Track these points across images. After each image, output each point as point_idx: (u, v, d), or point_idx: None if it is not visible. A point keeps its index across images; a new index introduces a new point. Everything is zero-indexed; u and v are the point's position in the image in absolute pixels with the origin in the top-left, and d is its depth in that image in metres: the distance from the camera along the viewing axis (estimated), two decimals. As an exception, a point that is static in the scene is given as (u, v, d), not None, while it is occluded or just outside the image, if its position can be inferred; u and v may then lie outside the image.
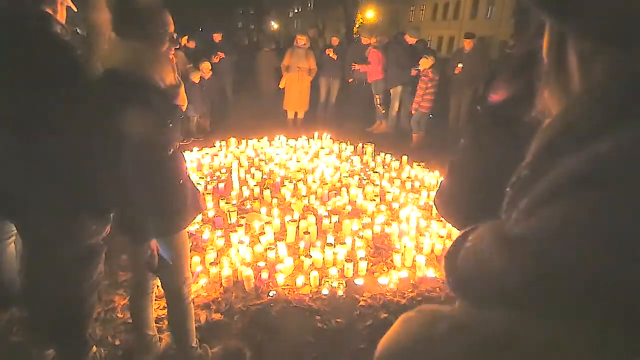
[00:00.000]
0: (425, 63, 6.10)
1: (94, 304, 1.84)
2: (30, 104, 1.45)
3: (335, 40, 7.08)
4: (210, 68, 6.12)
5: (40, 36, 1.47)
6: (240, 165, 4.84)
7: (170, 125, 1.55)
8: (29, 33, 1.46)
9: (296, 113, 6.88)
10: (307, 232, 3.18)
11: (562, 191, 0.36)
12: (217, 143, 5.43)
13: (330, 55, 6.82)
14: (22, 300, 1.91)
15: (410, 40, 6.31)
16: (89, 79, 1.52)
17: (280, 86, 6.66)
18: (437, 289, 2.74)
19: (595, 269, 0.32)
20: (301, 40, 6.37)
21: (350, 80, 7.22)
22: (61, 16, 1.57)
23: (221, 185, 4.19)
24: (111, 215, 1.74)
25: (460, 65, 6.21)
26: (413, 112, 6.20)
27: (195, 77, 5.77)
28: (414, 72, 6.30)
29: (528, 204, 0.38)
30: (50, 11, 1.51)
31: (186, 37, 6.44)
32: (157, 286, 2.01)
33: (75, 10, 1.85)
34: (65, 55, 1.49)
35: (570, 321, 0.35)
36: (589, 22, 0.38)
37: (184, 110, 1.65)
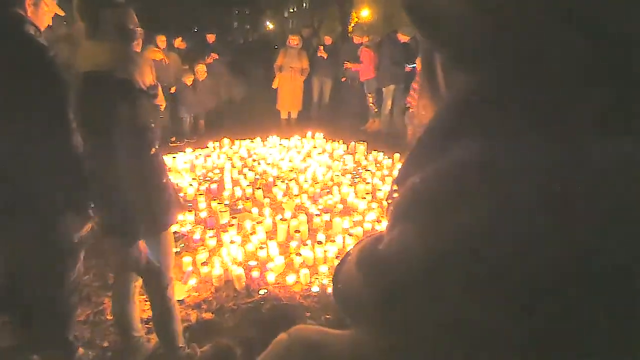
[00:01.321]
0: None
1: (75, 304, 1.86)
2: (4, 103, 1.48)
3: (328, 40, 7.11)
4: (205, 70, 6.14)
5: (11, 37, 1.49)
6: (233, 165, 4.87)
7: (153, 125, 1.58)
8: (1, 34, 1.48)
9: (290, 113, 6.90)
10: (297, 231, 3.21)
11: (397, 215, 0.34)
12: (210, 144, 5.46)
13: (320, 54, 6.86)
14: (3, 302, 1.92)
15: (403, 38, 6.34)
16: (66, 80, 1.54)
17: (273, 86, 6.68)
18: (426, 284, 2.77)
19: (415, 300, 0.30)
20: (294, 41, 6.40)
21: (343, 79, 7.25)
22: (36, 18, 1.58)
23: (214, 186, 4.21)
24: (91, 213, 1.76)
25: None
26: (412, 108, 6.24)
27: (188, 80, 5.79)
28: (409, 69, 6.36)
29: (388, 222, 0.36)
30: (22, 12, 1.53)
31: (180, 38, 6.44)
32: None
33: (63, 14, 1.87)
34: (37, 56, 1.51)
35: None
36: (442, 40, 0.36)
37: (162, 110, 1.68)
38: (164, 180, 1.69)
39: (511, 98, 0.31)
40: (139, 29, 1.55)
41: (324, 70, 7.06)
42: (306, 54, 6.81)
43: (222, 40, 7.85)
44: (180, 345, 2.01)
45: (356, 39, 6.90)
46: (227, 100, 7.40)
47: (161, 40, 5.55)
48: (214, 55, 6.73)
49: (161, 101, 1.64)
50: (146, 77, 1.55)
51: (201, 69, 6.01)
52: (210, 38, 7.09)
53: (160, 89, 1.64)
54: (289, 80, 6.52)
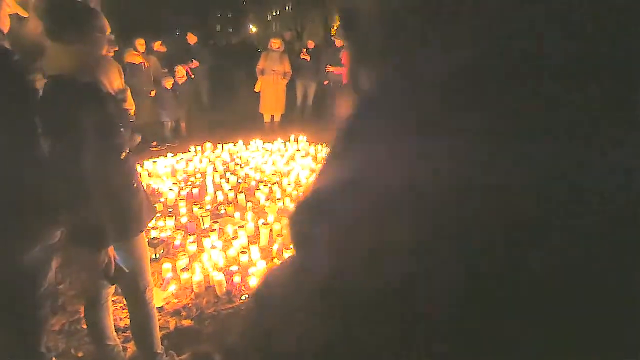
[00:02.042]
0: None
1: (47, 315, 1.79)
2: None
3: (311, 43, 7.12)
4: (184, 73, 6.08)
5: None
6: (215, 169, 4.82)
7: (122, 129, 1.55)
8: None
9: (272, 116, 6.88)
10: (280, 235, 3.19)
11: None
12: (192, 148, 5.40)
13: (303, 57, 6.87)
14: None
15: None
16: (31, 84, 1.49)
17: (255, 90, 6.65)
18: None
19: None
20: (275, 44, 6.39)
21: (325, 82, 7.28)
22: None
23: (195, 190, 4.16)
24: (60, 221, 1.71)
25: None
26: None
27: (167, 83, 5.72)
28: None
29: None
30: None
31: (159, 42, 6.37)
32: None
33: (27, 14, 1.82)
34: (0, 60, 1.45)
35: None
36: (352, 38, 0.37)
37: (132, 114, 1.66)
38: (135, 185, 1.66)
39: (395, 101, 0.30)
40: (108, 32, 1.52)
41: (308, 73, 7.08)
42: (288, 57, 6.82)
43: (204, 43, 7.76)
44: (158, 352, 1.97)
45: (338, 42, 6.92)
46: (208, 105, 7.36)
47: (140, 43, 5.47)
48: (195, 63, 6.66)
49: (130, 105, 1.61)
50: (114, 81, 1.51)
51: (180, 71, 5.94)
52: (191, 39, 7.03)
53: (129, 93, 1.60)
54: (271, 83, 6.50)
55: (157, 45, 6.34)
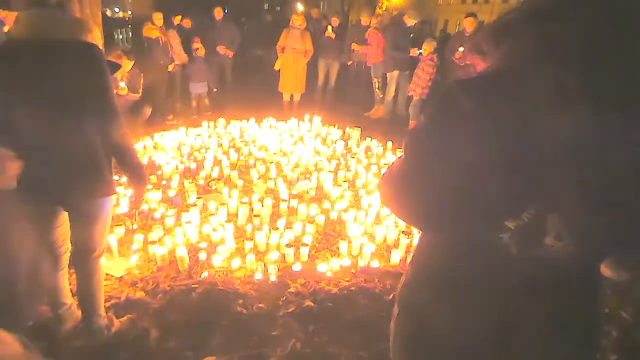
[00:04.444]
0: (429, 47, 5.86)
1: None
2: None
3: (335, 21, 6.85)
4: (202, 47, 6.06)
5: None
6: (220, 145, 4.82)
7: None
8: None
9: (292, 96, 6.76)
10: (257, 215, 3.13)
11: None
12: (205, 123, 5.43)
13: (327, 35, 6.63)
14: None
15: (409, 21, 6.01)
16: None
17: (275, 68, 6.54)
18: (376, 279, 2.63)
19: None
20: (297, 21, 6.21)
21: (349, 62, 7.02)
22: None
23: (193, 165, 4.18)
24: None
25: (461, 49, 5.88)
26: (416, 96, 5.99)
27: (200, 51, 5.77)
28: (415, 53, 6.06)
29: None
30: None
31: (179, 16, 6.39)
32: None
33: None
34: None
35: None
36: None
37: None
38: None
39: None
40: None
41: (331, 52, 6.85)
42: (310, 35, 6.62)
43: (234, 20, 7.71)
44: (100, 313, 2.00)
45: (364, 21, 6.63)
46: (231, 81, 7.36)
47: (157, 18, 5.51)
48: (222, 49, 6.63)
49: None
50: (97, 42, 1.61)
51: (197, 46, 5.94)
52: (218, 13, 6.91)
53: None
54: (291, 62, 6.36)
55: (177, 20, 6.36)
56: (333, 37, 6.71)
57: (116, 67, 1.74)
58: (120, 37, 12.66)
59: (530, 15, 0.73)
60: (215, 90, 6.20)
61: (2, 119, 1.54)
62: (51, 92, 1.50)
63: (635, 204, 0.65)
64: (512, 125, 0.67)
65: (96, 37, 1.61)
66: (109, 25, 7.60)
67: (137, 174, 1.79)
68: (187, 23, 6.65)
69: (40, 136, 1.54)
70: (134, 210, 3.06)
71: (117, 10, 33.52)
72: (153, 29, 5.44)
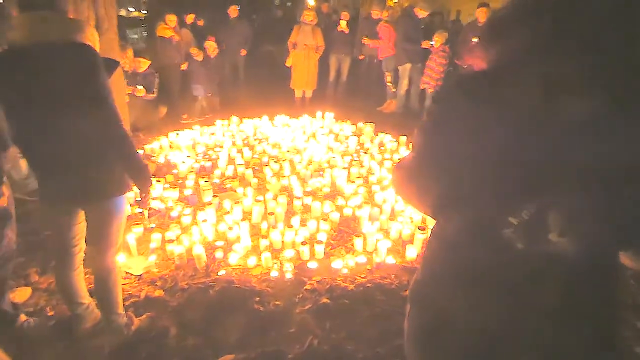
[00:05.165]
0: (441, 38, 5.78)
1: (6, 277, 1.90)
2: None
3: (345, 15, 6.80)
4: (216, 47, 6.08)
5: None
6: (233, 144, 4.86)
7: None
8: None
9: (304, 92, 6.75)
10: (271, 213, 3.14)
11: None
12: (218, 122, 5.47)
13: (340, 30, 6.59)
14: None
15: (421, 13, 5.93)
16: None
17: (287, 64, 6.53)
18: (392, 275, 2.62)
19: None
20: (308, 17, 6.18)
21: (361, 57, 6.96)
22: None
23: (208, 163, 4.22)
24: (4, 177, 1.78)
25: (475, 39, 5.77)
26: (430, 89, 5.93)
27: (198, 57, 5.78)
28: (428, 45, 5.98)
29: None
30: None
31: (192, 14, 6.42)
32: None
33: None
34: None
35: None
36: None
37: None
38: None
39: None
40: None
41: (342, 47, 6.81)
42: (326, 30, 6.58)
43: (246, 17, 7.71)
44: (119, 312, 2.04)
45: (375, 14, 6.56)
46: (244, 79, 7.38)
47: (170, 19, 5.55)
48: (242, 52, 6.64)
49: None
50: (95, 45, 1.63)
51: (210, 45, 5.96)
52: (233, 11, 6.91)
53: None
54: (302, 58, 6.34)
55: (190, 19, 6.39)
56: (347, 32, 6.67)
57: (114, 64, 1.73)
58: (135, 36, 12.82)
59: (522, 11, 0.73)
60: (210, 95, 6.15)
61: (13, 127, 1.59)
62: (48, 96, 1.52)
63: (634, 199, 0.64)
64: (505, 123, 0.70)
65: (90, 36, 1.60)
66: (123, 25, 7.65)
67: (140, 173, 1.76)
68: (201, 22, 6.68)
69: (45, 140, 1.59)
70: (142, 210, 3.10)
71: (131, 9, 33.88)
72: (166, 29, 5.49)
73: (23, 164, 3.27)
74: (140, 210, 3.11)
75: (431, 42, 5.95)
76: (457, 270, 0.88)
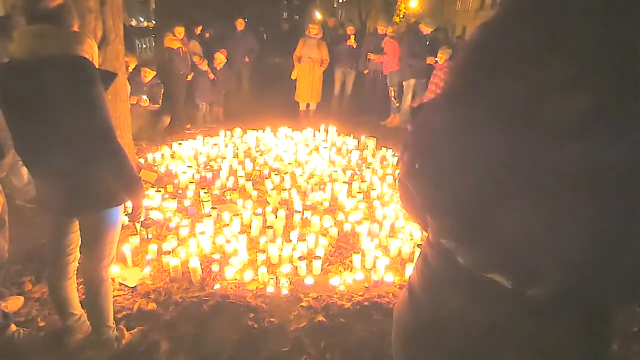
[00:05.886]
0: (445, 55, 5.80)
1: None
2: None
3: (351, 30, 6.85)
4: (224, 58, 6.13)
5: None
6: (235, 155, 4.85)
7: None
8: None
9: (308, 105, 6.77)
10: (269, 227, 3.11)
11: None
12: (222, 132, 5.48)
13: (349, 44, 6.64)
14: None
15: (425, 29, 5.96)
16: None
17: (292, 77, 6.57)
18: (390, 294, 2.57)
19: None
20: (313, 30, 6.24)
21: (365, 71, 6.99)
22: None
23: (209, 174, 4.21)
24: None
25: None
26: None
27: (202, 66, 5.82)
28: (432, 61, 6.00)
29: None
30: None
31: (200, 27, 6.49)
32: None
33: None
34: None
35: None
36: None
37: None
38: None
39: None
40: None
41: (347, 61, 6.85)
42: (331, 44, 6.62)
43: (252, 30, 7.80)
44: (109, 324, 2.00)
45: (380, 30, 6.61)
46: (248, 91, 7.43)
47: (178, 32, 5.61)
48: (222, 52, 6.69)
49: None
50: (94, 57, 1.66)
51: (219, 57, 6.01)
52: (240, 24, 6.99)
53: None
54: (307, 71, 6.38)
55: (199, 30, 6.46)
56: (354, 46, 6.72)
57: (112, 76, 1.73)
58: (144, 46, 13.03)
59: (510, 15, 0.73)
60: (211, 104, 6.21)
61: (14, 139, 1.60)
62: (43, 107, 1.54)
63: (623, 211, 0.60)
64: (489, 124, 0.69)
65: (88, 49, 1.61)
66: (132, 35, 7.75)
67: (131, 186, 1.71)
68: (208, 34, 6.76)
69: (38, 150, 1.61)
70: (134, 223, 3.08)
71: (142, 19, 34.48)
72: (174, 40, 5.54)
73: (24, 170, 3.27)
74: (132, 222, 3.11)
75: (435, 59, 5.97)
76: (449, 274, 0.87)
